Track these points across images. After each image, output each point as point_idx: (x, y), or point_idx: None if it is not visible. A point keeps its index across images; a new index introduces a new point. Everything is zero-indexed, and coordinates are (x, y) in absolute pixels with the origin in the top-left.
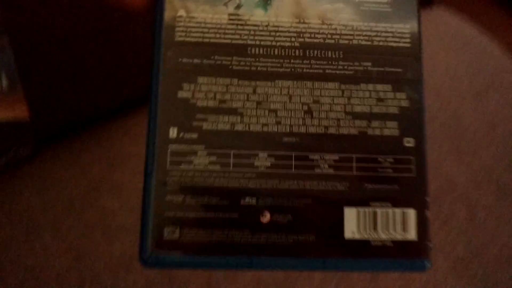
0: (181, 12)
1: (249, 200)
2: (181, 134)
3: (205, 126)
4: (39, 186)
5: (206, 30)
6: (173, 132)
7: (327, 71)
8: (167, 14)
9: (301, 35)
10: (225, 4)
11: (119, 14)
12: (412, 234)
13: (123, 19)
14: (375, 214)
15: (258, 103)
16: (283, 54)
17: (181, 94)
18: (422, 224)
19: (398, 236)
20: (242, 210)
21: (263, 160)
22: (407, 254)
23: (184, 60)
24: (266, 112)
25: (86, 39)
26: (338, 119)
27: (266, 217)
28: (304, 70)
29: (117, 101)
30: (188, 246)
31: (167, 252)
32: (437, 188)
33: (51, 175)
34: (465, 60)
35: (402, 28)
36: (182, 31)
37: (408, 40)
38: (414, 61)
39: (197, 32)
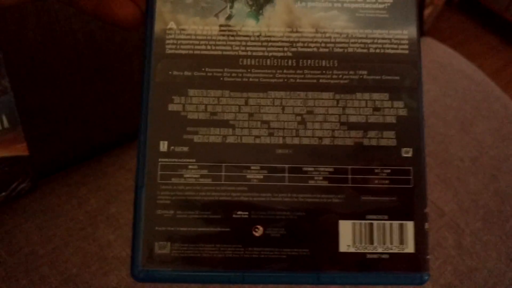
0: (171, 25)
1: (241, 214)
2: (171, 148)
3: (196, 139)
4: (38, 219)
5: (196, 42)
6: (163, 146)
7: (321, 80)
8: (157, 27)
9: (294, 44)
10: (216, 15)
11: (114, 54)
12: (410, 247)
13: (117, 60)
14: (371, 227)
15: (250, 114)
16: (275, 64)
17: (172, 107)
18: (421, 237)
19: (395, 249)
20: (234, 223)
21: (255, 173)
22: (405, 267)
23: (175, 72)
24: (259, 123)
25: (83, 80)
26: (333, 130)
27: (258, 231)
28: (297, 80)
29: (113, 136)
30: (179, 261)
31: (158, 267)
32: None
33: (50, 208)
34: (453, 89)
35: (400, 34)
36: (172, 43)
37: (406, 46)
38: (412, 68)
39: (187, 44)
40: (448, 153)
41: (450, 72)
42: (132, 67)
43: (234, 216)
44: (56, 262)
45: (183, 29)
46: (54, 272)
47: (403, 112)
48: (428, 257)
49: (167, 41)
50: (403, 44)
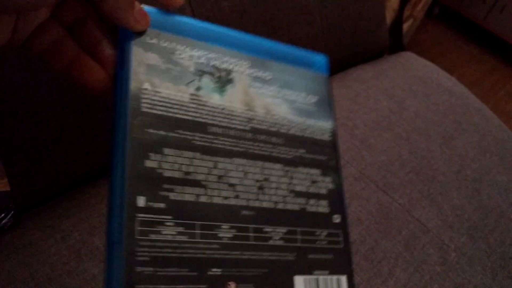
0: (147, 85)
1: (215, 271)
2: (149, 204)
3: (172, 196)
4: (21, 255)
5: (170, 105)
6: (141, 201)
7: (273, 154)
8: (133, 85)
9: (251, 121)
10: (187, 85)
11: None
12: None
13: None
14: (317, 281)
15: (219, 177)
16: (237, 135)
17: (148, 163)
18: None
19: None
20: (209, 280)
21: (225, 232)
22: None
23: (151, 130)
24: (226, 186)
25: (63, 112)
26: (284, 196)
27: (231, 287)
28: (255, 151)
29: (95, 166)
30: None
31: None
32: (408, 234)
33: (33, 244)
34: (433, 103)
35: (324, 124)
36: (148, 103)
37: (328, 134)
38: (333, 152)
39: (162, 105)
40: (431, 168)
41: (430, 86)
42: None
43: (209, 273)
44: None
45: (158, 92)
46: None
47: (331, 186)
48: None
49: (143, 100)
50: (326, 132)
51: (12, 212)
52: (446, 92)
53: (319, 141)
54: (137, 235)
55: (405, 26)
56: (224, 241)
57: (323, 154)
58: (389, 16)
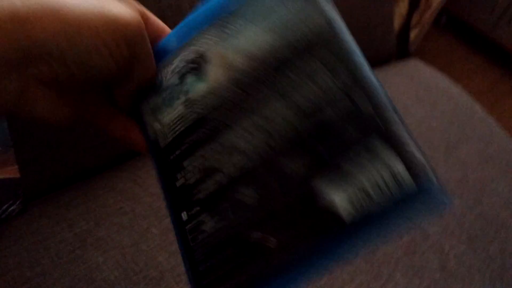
0: (156, 126)
1: (256, 236)
2: (189, 214)
3: (202, 195)
4: (27, 242)
5: (174, 126)
6: (184, 216)
7: (265, 92)
8: (150, 132)
9: (238, 82)
10: (178, 98)
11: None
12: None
13: None
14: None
15: (229, 152)
16: (232, 105)
17: (178, 182)
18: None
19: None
20: (252, 245)
21: (250, 197)
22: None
23: (171, 157)
24: (236, 155)
25: None
26: (293, 122)
27: (272, 242)
28: (253, 105)
29: (103, 158)
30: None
31: None
32: (409, 239)
33: (39, 231)
34: (438, 111)
35: (316, 14)
36: (162, 140)
37: (324, 20)
38: (333, 34)
39: (170, 132)
40: None
41: (436, 94)
42: None
43: (251, 240)
44: (43, 285)
45: (164, 124)
46: None
47: (347, 79)
48: (440, 186)
49: (160, 141)
50: (321, 19)
51: (21, 199)
52: (451, 101)
53: (315, 39)
54: (191, 242)
55: (413, 33)
56: (255, 205)
57: (325, 51)
58: (397, 22)
